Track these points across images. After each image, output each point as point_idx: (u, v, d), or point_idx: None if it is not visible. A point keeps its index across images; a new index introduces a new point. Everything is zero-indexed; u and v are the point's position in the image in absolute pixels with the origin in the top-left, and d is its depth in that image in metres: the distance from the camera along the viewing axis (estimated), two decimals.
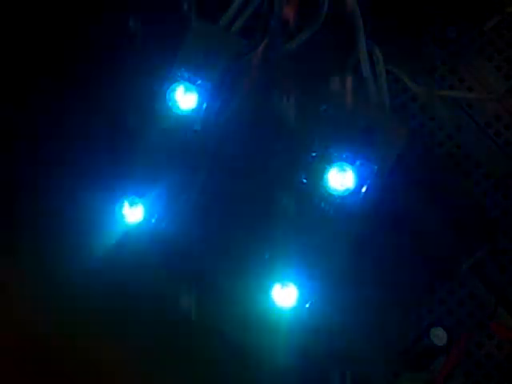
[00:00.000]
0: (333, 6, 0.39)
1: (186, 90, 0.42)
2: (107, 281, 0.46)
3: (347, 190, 0.40)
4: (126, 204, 0.42)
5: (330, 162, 0.40)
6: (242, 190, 0.40)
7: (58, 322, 0.50)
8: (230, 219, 0.40)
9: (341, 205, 0.40)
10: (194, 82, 0.41)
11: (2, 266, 0.51)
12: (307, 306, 0.40)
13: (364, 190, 0.40)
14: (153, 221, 0.42)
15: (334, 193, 0.40)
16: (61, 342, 0.50)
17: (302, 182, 0.40)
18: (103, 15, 0.53)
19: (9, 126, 0.53)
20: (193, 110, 0.42)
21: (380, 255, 0.46)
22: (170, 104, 0.42)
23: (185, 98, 0.42)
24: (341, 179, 0.40)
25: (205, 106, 0.41)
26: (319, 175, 0.40)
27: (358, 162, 0.40)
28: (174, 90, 0.42)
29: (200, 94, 0.41)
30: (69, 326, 0.50)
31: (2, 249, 0.51)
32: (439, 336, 0.43)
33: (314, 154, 0.40)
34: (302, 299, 0.40)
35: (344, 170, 0.40)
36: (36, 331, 0.50)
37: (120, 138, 0.49)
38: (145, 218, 0.42)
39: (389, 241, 0.47)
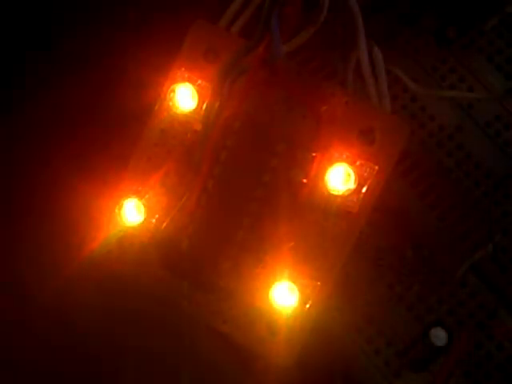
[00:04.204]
0: (333, 6, 0.39)
1: (186, 89, 0.42)
2: (107, 281, 0.46)
3: (347, 190, 0.40)
4: (127, 204, 0.42)
5: (330, 162, 0.40)
6: (242, 190, 0.40)
7: (57, 321, 0.50)
8: (230, 219, 0.40)
9: (341, 205, 0.40)
10: (194, 82, 0.41)
11: (1, 265, 0.51)
12: (307, 306, 0.40)
13: (364, 190, 0.40)
14: (153, 221, 0.42)
15: (335, 193, 0.40)
16: (60, 342, 0.50)
17: (302, 182, 0.40)
18: (100, 15, 0.53)
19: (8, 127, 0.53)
20: (193, 109, 0.42)
21: (380, 255, 0.46)
22: (170, 104, 0.42)
23: (185, 98, 0.42)
24: (341, 179, 0.40)
25: (205, 105, 0.41)
26: (319, 175, 0.40)
27: (358, 162, 0.40)
28: (174, 90, 0.42)
29: (200, 94, 0.41)
30: (68, 326, 0.50)
31: (1, 248, 0.51)
32: (439, 336, 0.42)
33: (314, 154, 0.40)
34: (302, 299, 0.40)
35: (344, 171, 0.40)
36: (35, 331, 0.50)
37: (120, 138, 0.49)
38: (145, 218, 0.42)
39: (388, 241, 0.47)
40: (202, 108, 0.41)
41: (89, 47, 0.53)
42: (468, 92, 0.51)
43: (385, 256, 0.46)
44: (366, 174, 0.40)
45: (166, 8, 0.52)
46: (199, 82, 0.41)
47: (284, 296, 0.40)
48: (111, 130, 0.51)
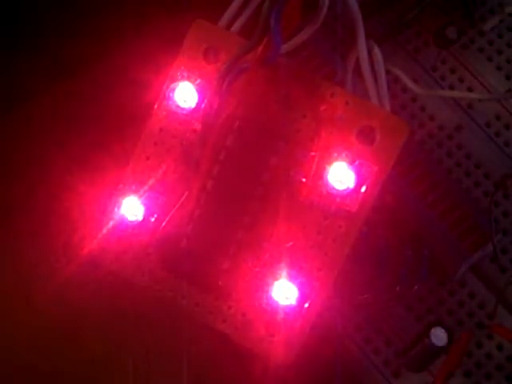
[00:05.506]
0: (332, 5, 0.39)
1: (186, 89, 0.41)
2: (105, 280, 0.46)
3: (347, 189, 0.40)
4: (126, 203, 0.42)
5: (329, 161, 0.40)
6: (241, 189, 0.40)
7: (56, 321, 0.50)
8: (229, 218, 0.40)
9: (340, 204, 0.40)
10: (193, 81, 0.41)
11: (1, 265, 0.51)
12: (306, 305, 0.40)
13: (363, 189, 0.40)
14: (152, 220, 0.42)
15: (334, 192, 0.40)
16: (59, 342, 0.50)
17: (302, 181, 0.40)
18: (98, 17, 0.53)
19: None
20: (192, 109, 0.41)
21: (379, 255, 0.46)
22: (169, 103, 0.42)
23: (184, 98, 0.41)
24: (340, 179, 0.40)
25: (204, 105, 0.41)
26: (319, 174, 0.40)
27: (357, 162, 0.40)
28: (174, 90, 0.42)
29: (199, 93, 0.41)
30: (67, 326, 0.50)
31: (1, 248, 0.51)
32: (439, 336, 0.42)
33: (313, 154, 0.40)
34: (301, 298, 0.40)
35: (343, 170, 0.40)
36: (35, 331, 0.50)
37: (120, 137, 0.49)
38: (144, 218, 0.42)
39: (388, 241, 0.47)
40: (201, 107, 0.41)
41: (88, 47, 0.53)
42: (468, 92, 0.51)
43: (385, 256, 0.46)
44: (365, 174, 0.40)
45: (166, 7, 0.52)
46: (199, 81, 0.41)
47: (283, 295, 0.40)
48: (111, 130, 0.51)
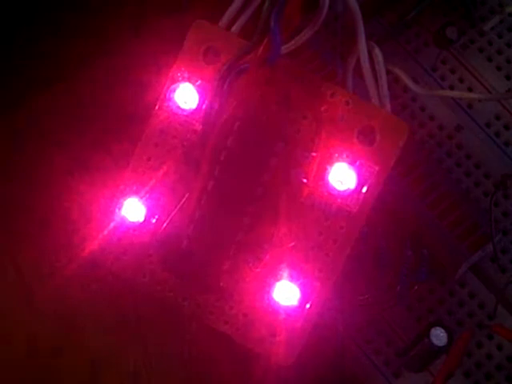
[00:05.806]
0: (333, 6, 0.39)
1: (186, 90, 0.41)
2: (106, 281, 0.46)
3: (347, 190, 0.40)
4: (127, 204, 0.42)
5: (330, 161, 0.40)
6: (242, 190, 0.40)
7: (56, 321, 0.50)
8: (229, 219, 0.40)
9: (341, 205, 0.40)
10: (194, 82, 0.41)
11: (1, 266, 0.51)
12: (308, 306, 0.40)
13: (364, 190, 0.40)
14: (153, 221, 0.42)
15: (335, 193, 0.40)
16: (59, 342, 0.50)
17: (302, 182, 0.40)
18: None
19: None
20: (193, 110, 0.41)
21: (379, 255, 0.46)
22: (170, 104, 0.42)
23: (185, 98, 0.41)
24: (341, 179, 0.40)
25: (204, 106, 0.41)
26: (319, 175, 0.40)
27: (358, 162, 0.40)
28: (175, 91, 0.42)
29: (200, 94, 0.41)
30: (67, 326, 0.50)
31: (1, 248, 0.51)
32: (439, 336, 0.43)
33: (314, 154, 0.40)
34: (303, 299, 0.40)
35: (344, 170, 0.40)
36: (34, 331, 0.50)
37: (120, 138, 0.49)
38: (145, 219, 0.42)
39: (388, 241, 0.47)
40: (201, 108, 0.41)
41: (89, 47, 0.53)
42: (468, 92, 0.51)
43: (385, 256, 0.46)
44: (366, 174, 0.40)
45: (166, 8, 0.52)
46: (199, 82, 0.41)
47: (284, 296, 0.40)
48: (111, 130, 0.51)
